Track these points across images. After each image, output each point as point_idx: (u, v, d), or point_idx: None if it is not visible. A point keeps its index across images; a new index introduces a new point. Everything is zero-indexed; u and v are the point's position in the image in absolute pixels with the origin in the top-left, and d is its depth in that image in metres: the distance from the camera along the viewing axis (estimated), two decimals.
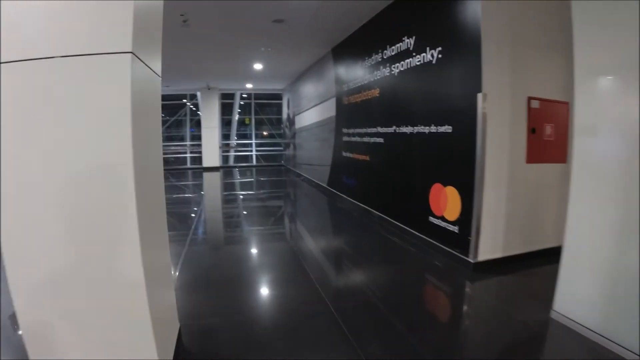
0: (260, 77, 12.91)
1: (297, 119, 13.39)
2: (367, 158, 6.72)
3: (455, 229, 4.31)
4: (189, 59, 9.60)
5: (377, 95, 6.24)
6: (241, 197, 9.74)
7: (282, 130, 17.09)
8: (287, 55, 9.31)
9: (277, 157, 17.61)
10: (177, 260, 4.45)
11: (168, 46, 8.29)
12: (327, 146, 9.30)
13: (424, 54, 4.80)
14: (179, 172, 15.50)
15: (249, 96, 17.18)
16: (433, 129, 4.65)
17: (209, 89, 15.35)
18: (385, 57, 5.87)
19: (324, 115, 9.63)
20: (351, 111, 7.52)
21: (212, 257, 4.82)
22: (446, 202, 4.44)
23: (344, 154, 7.94)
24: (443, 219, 4.50)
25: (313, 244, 5.32)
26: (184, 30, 6.90)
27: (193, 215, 7.16)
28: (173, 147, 16.97)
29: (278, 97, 17.02)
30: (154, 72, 2.23)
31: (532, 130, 4.29)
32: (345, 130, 7.87)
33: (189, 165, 16.55)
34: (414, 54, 5.04)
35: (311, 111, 11.11)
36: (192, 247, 5.04)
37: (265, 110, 17.84)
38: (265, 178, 13.59)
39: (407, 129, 5.26)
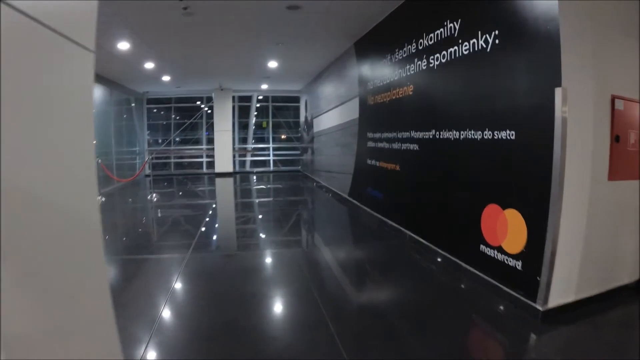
0: (276, 77, 12.07)
1: (315, 122, 12.49)
2: (397, 167, 5.76)
3: (517, 264, 3.31)
4: (198, 56, 8.80)
5: (410, 93, 5.27)
6: (250, 208, 8.89)
7: (299, 134, 16.26)
8: (304, 51, 8.43)
9: (295, 162, 16.77)
10: (176, 271, 3.66)
11: (174, 43, 7.51)
12: (349, 152, 8.37)
13: (473, 40, 3.82)
14: (185, 177, 14.77)
15: (266, 99, 16.44)
16: (488, 134, 3.65)
17: (221, 89, 14.57)
18: (420, 48, 4.91)
19: (346, 118, 8.72)
20: (378, 113, 6.57)
21: (213, 273, 4.29)
22: (505, 228, 3.44)
23: (369, 161, 6.99)
24: (501, 250, 3.50)
25: (330, 271, 4.40)
26: (189, 23, 6.08)
27: (195, 228, 6.32)
28: (188, 151, 16.27)
29: (296, 99, 16.25)
30: (68, 38, 1.32)
31: (615, 139, 3.29)
32: (370, 135, 6.93)
33: (204, 169, 15.78)
34: (459, 40, 4.06)
35: (331, 113, 10.20)
36: (191, 264, 4.17)
37: (282, 114, 17.17)
38: (280, 185, 12.75)
39: (451, 134, 4.27)
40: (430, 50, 4.66)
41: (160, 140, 16.78)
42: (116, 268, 4.48)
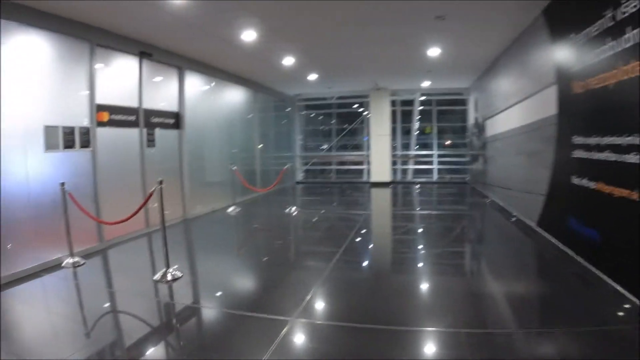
0: (439, 71, 9.99)
1: (488, 124, 10.02)
2: (636, 195, 3.34)
3: None
4: (344, 45, 7.36)
5: None
6: (404, 230, 7.07)
7: (467, 139, 13.89)
8: (472, 30, 6.33)
9: (461, 171, 14.36)
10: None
11: (317, 33, 6.26)
12: (539, 163, 5.96)
13: None
14: (333, 186, 13.59)
15: (429, 102, 14.46)
16: None
17: (378, 89, 13.01)
18: None
19: (532, 117, 6.31)
20: (594, 105, 4.16)
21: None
22: None
23: (576, 179, 4.57)
24: None
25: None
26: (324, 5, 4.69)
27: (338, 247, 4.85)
28: (341, 157, 15.24)
29: (461, 102, 14.07)
30: None
31: None
32: (579, 140, 4.51)
33: (365, 178, 14.48)
34: None
35: (509, 112, 7.76)
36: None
37: (447, 118, 15.11)
38: (445, 201, 10.62)
39: None
40: None
41: (312, 146, 16.18)
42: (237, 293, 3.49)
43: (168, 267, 4.39)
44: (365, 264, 5.26)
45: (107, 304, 3.88)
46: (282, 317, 3.30)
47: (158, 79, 7.24)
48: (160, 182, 4.36)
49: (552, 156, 5.39)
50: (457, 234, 6.77)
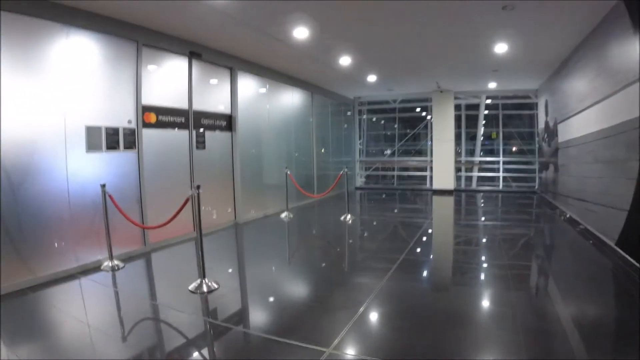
0: (506, 71, 9.17)
1: (560, 128, 9.04)
2: None
3: None
4: (403, 43, 6.88)
5: None
6: (467, 241, 6.43)
7: (536, 145, 12.87)
8: (544, 19, 5.60)
9: (528, 179, 13.33)
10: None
11: (374, 31, 5.81)
12: (621, 173, 5.13)
13: None
14: (396, 193, 12.98)
15: (495, 106, 13.58)
16: None
17: (440, 91, 12.30)
18: None
19: (613, 120, 5.46)
20: None
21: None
22: None
23: None
24: None
25: None
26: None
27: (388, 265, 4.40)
28: (409, 162, 14.63)
29: (529, 106, 13.12)
30: None
31: None
32: None
33: (428, 185, 13.79)
34: None
35: (585, 114, 6.86)
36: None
37: (513, 122, 14.13)
38: (510, 209, 9.75)
39: None
40: None
41: (373, 151, 15.71)
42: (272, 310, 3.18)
43: (204, 277, 4.14)
44: (422, 282, 4.71)
45: (130, 314, 3.69)
46: (316, 347, 2.89)
47: (209, 80, 7.12)
48: (198, 187, 4.12)
49: (637, 165, 4.59)
50: (525, 250, 6.02)
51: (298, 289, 4.51)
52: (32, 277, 4.29)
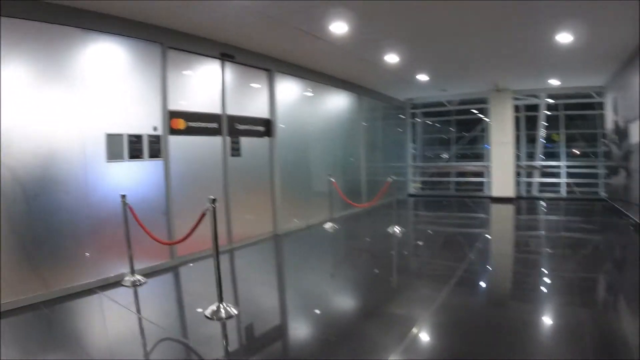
0: (567, 66, 8.09)
1: (632, 128, 7.80)
2: None
3: None
4: (454, 36, 6.18)
5: None
6: (534, 260, 5.54)
7: (602, 148, 11.70)
8: (613, 4, 4.68)
9: (593, 185, 12.04)
10: None
11: (418, 21, 5.20)
12: None
13: None
14: (451, 200, 12.02)
15: (556, 107, 12.47)
16: None
17: (498, 90, 11.26)
18: None
19: None
20: None
21: None
22: None
23: None
24: None
25: None
26: None
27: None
28: (465, 167, 13.72)
29: (591, 106, 12.03)
30: None
31: None
32: None
33: (485, 192, 12.79)
34: None
35: None
36: None
37: (575, 124, 13.03)
38: (578, 218, 8.61)
39: None
40: None
41: (426, 156, 14.86)
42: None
43: (221, 301, 3.69)
44: (475, 318, 3.89)
45: (131, 340, 3.31)
46: None
47: (244, 83, 6.74)
48: (213, 201, 3.68)
49: None
50: (599, 271, 5.07)
51: (332, 315, 3.91)
52: (45, 292, 4.07)
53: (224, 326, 3.51)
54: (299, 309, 4.07)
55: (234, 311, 3.70)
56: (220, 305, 3.68)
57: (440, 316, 3.62)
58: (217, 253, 3.74)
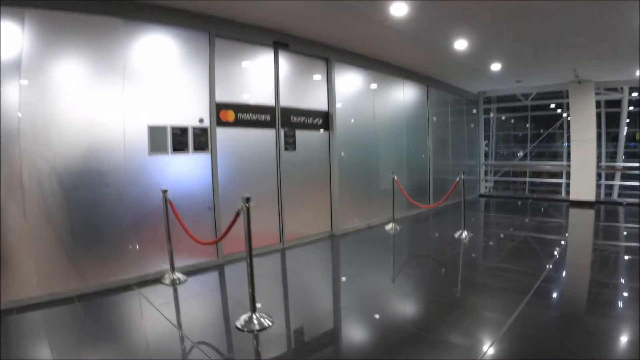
0: None
1: None
2: None
3: None
4: (529, 16, 5.35)
5: None
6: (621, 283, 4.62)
7: None
8: None
9: None
10: None
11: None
12: None
13: None
14: (525, 202, 10.85)
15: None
16: None
17: (579, 82, 9.90)
18: None
19: None
20: None
21: None
22: None
23: None
24: None
25: None
26: None
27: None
28: (541, 167, 12.49)
29: None
30: None
31: None
32: None
33: (563, 194, 11.53)
34: None
35: None
36: None
37: None
38: None
39: None
40: None
41: (499, 153, 13.75)
42: None
43: (254, 311, 3.36)
44: (550, 344, 3.26)
45: (142, 348, 3.05)
46: None
47: (300, 72, 6.37)
48: (247, 200, 3.34)
49: None
50: None
51: (391, 336, 3.44)
52: (81, 286, 3.99)
53: (256, 339, 3.17)
54: (348, 320, 3.63)
55: (268, 322, 3.34)
56: (253, 315, 3.34)
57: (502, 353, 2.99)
58: (250, 258, 3.40)
